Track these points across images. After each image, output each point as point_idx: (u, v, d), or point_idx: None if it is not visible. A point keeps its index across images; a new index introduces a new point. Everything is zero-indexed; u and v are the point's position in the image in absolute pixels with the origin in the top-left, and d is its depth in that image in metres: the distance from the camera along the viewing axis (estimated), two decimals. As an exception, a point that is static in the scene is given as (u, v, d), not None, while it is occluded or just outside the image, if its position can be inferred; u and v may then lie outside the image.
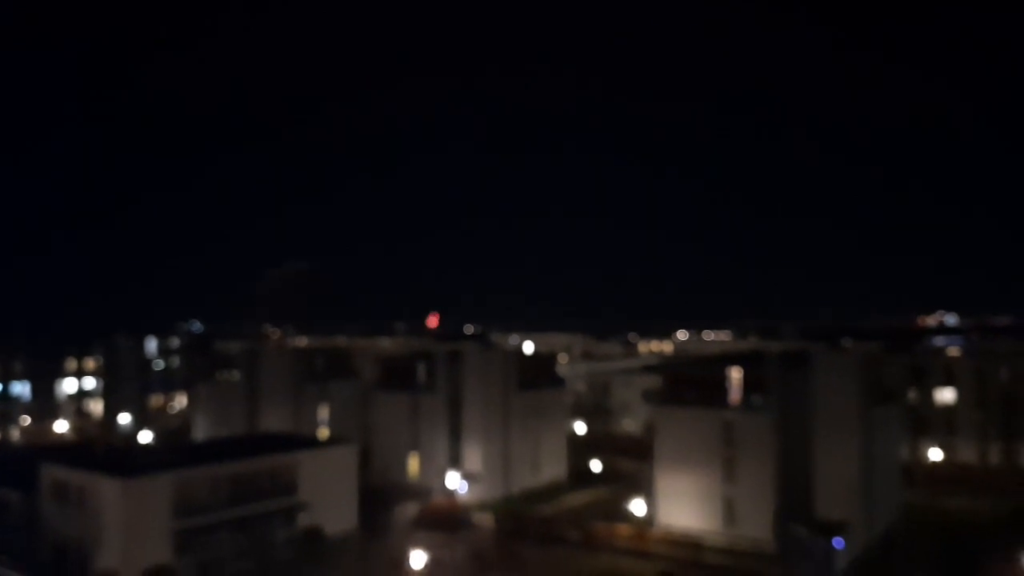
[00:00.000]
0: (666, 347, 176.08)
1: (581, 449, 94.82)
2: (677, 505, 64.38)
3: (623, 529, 63.13)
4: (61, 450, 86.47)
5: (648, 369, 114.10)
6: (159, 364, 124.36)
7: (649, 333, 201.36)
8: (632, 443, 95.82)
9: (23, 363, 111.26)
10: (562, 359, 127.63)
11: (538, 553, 60.28)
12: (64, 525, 57.73)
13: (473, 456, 78.11)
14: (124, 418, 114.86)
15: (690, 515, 63.62)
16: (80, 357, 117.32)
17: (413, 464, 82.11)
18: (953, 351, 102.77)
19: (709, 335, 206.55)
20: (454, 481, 76.19)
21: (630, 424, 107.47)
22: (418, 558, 52.68)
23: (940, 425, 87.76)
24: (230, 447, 70.43)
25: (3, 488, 63.61)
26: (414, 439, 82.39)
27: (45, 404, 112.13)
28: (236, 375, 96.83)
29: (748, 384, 63.97)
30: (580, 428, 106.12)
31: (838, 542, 55.53)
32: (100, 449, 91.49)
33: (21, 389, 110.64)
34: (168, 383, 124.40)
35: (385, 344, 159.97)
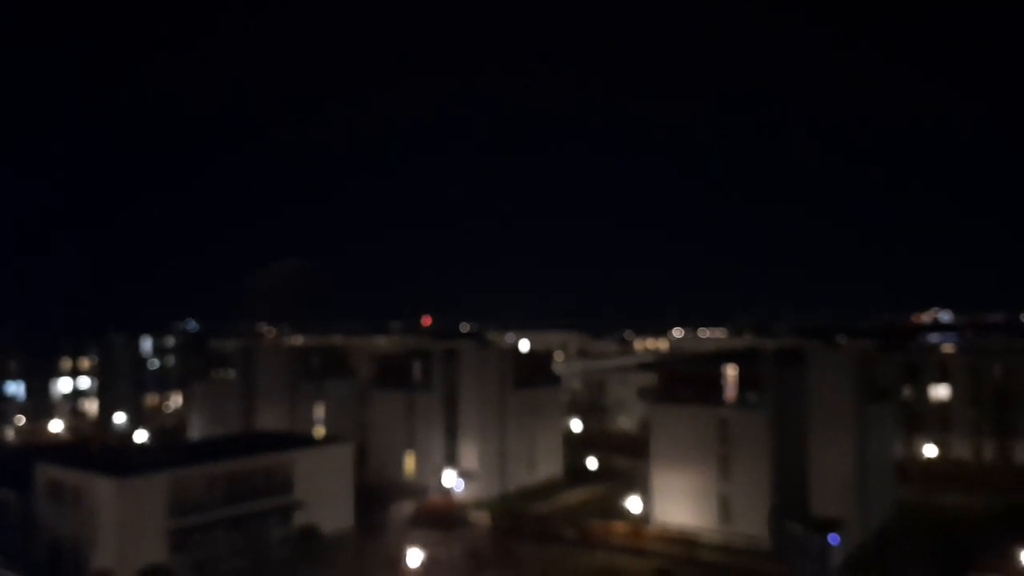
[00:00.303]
0: (662, 345, 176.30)
1: (577, 447, 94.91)
2: (673, 502, 64.49)
3: (619, 527, 63.23)
4: (56, 449, 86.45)
5: (644, 367, 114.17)
6: (154, 363, 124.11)
7: (645, 331, 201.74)
8: (628, 441, 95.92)
9: (18, 362, 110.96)
10: (558, 357, 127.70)
11: (534, 551, 60.34)
12: (59, 525, 57.63)
13: (469, 454, 78.16)
14: (119, 417, 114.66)
15: (686, 512, 63.74)
16: (75, 356, 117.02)
17: (409, 462, 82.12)
18: (947, 348, 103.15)
19: (705, 333, 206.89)
20: (450, 479, 76.23)
21: (626, 422, 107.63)
22: (414, 556, 52.70)
23: (935, 422, 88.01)
24: (226, 446, 70.37)
25: (-2, 488, 63.50)
26: (410, 437, 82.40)
27: (40, 403, 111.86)
28: (232, 374, 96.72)
29: (743, 381, 64.09)
30: (576, 426, 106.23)
31: (834, 539, 55.71)
32: (95, 448, 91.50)
33: (16, 388, 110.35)
34: (163, 382, 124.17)
35: (381, 342, 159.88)
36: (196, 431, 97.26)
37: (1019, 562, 51.66)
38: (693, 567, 57.18)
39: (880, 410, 65.72)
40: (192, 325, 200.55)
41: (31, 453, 72.39)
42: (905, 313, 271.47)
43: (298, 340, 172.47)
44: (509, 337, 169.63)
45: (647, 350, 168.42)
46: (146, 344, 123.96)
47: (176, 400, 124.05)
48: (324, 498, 65.29)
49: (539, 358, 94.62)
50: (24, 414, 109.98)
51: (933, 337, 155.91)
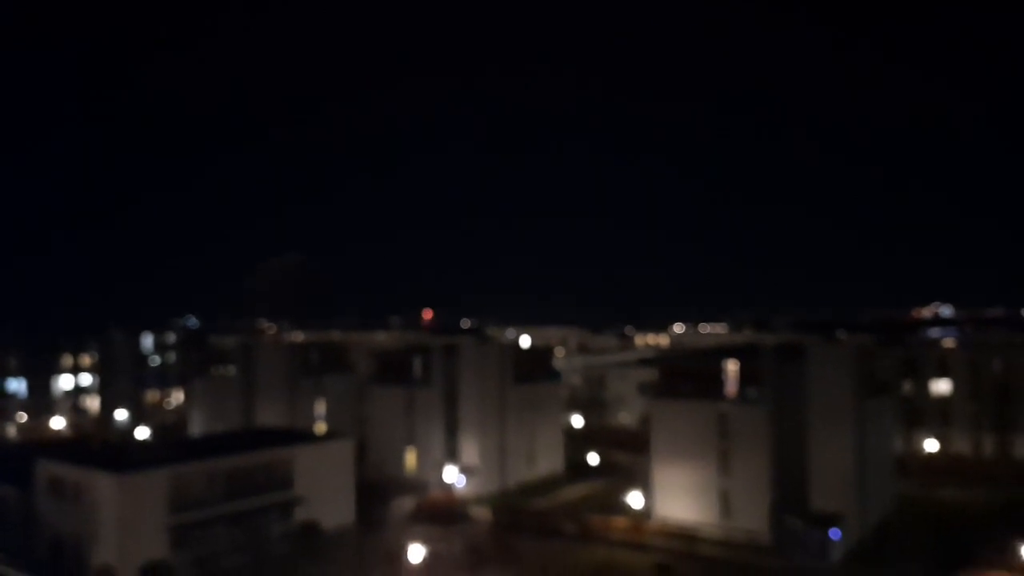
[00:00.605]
0: (662, 340, 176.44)
1: (577, 442, 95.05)
2: (673, 497, 64.57)
3: (619, 522, 63.33)
4: (57, 446, 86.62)
5: (644, 362, 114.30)
6: (155, 360, 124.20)
7: (645, 326, 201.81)
8: (628, 436, 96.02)
9: (19, 360, 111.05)
10: (558, 352, 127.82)
11: (535, 546, 60.41)
12: (60, 521, 57.74)
13: (470, 450, 78.25)
14: (121, 414, 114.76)
15: (686, 507, 63.82)
16: (76, 353, 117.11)
17: (410, 458, 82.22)
18: (947, 343, 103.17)
19: (705, 328, 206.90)
20: (451, 475, 76.33)
21: (626, 417, 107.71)
22: (415, 552, 52.78)
23: (935, 416, 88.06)
24: (226, 442, 70.43)
25: (0, 484, 63.63)
26: (410, 433, 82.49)
27: (41, 400, 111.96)
28: (232, 370, 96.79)
29: (743, 377, 64.12)
30: (576, 421, 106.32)
31: (835, 533, 55.85)
32: (96, 445, 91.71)
33: (17, 386, 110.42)
34: (164, 379, 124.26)
35: (381, 338, 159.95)
36: (197, 427, 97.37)
37: (1019, 556, 51.77)
38: (693, 562, 57.28)
39: (879, 405, 65.80)
40: (192, 322, 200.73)
41: (32, 450, 72.56)
42: (905, 308, 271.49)
43: (298, 336, 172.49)
44: (509, 333, 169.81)
45: (647, 346, 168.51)
46: (147, 341, 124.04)
47: (177, 397, 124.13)
48: (325, 494, 65.38)
49: (539, 354, 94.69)
50: (26, 411, 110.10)
51: (933, 332, 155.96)
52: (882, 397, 67.22)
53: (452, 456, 78.98)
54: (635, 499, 64.50)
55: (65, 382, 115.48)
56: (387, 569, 54.96)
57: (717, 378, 65.10)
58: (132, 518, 54.38)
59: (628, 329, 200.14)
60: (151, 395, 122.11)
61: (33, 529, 59.65)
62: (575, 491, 78.05)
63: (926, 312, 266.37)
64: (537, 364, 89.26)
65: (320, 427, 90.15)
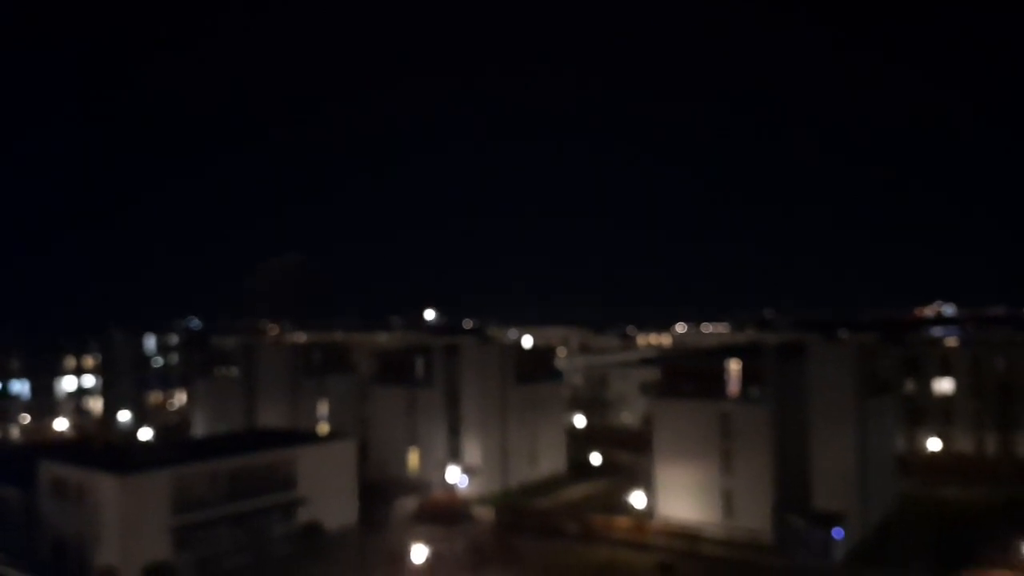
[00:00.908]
0: (664, 340, 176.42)
1: (579, 442, 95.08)
2: (675, 497, 64.58)
3: (622, 521, 63.35)
4: (60, 447, 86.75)
5: (646, 362, 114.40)
6: (158, 361, 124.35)
7: (647, 326, 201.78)
8: (630, 436, 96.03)
9: (22, 361, 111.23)
10: (560, 352, 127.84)
11: (537, 546, 60.47)
12: (63, 522, 57.85)
13: (472, 450, 78.29)
14: (123, 415, 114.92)
15: (688, 507, 63.84)
16: (79, 355, 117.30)
17: (412, 458, 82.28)
18: (950, 341, 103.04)
19: (707, 327, 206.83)
20: (454, 475, 76.37)
21: (628, 417, 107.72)
22: (418, 552, 52.85)
23: (937, 415, 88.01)
24: (229, 443, 70.54)
25: (2, 485, 63.72)
26: (412, 433, 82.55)
27: (44, 402, 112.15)
28: (234, 371, 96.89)
29: (745, 376, 64.11)
30: (579, 421, 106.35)
31: (837, 532, 55.86)
32: (99, 446, 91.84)
33: (20, 387, 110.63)
34: (167, 380, 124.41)
35: (382, 338, 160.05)
36: (199, 428, 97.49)
37: (1022, 555, 51.74)
38: (696, 561, 57.30)
39: (881, 404, 65.79)
40: (195, 323, 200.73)
41: (35, 451, 72.68)
42: (907, 307, 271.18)
43: (300, 337, 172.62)
44: (511, 333, 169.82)
45: (649, 345, 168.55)
46: (149, 342, 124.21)
47: (179, 398, 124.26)
48: (327, 494, 65.46)
49: (541, 353, 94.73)
50: (29, 412, 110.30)
51: (935, 330, 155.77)
52: (884, 396, 67.19)
53: (454, 456, 79.03)
54: (637, 499, 64.51)
55: (68, 383, 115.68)
56: (390, 569, 55.02)
57: (719, 377, 65.11)
58: (135, 519, 54.47)
59: (630, 329, 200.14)
60: (154, 396, 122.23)
61: (36, 530, 59.78)
62: (577, 491, 78.09)
63: (928, 311, 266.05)
64: (539, 364, 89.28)
65: (322, 427, 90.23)
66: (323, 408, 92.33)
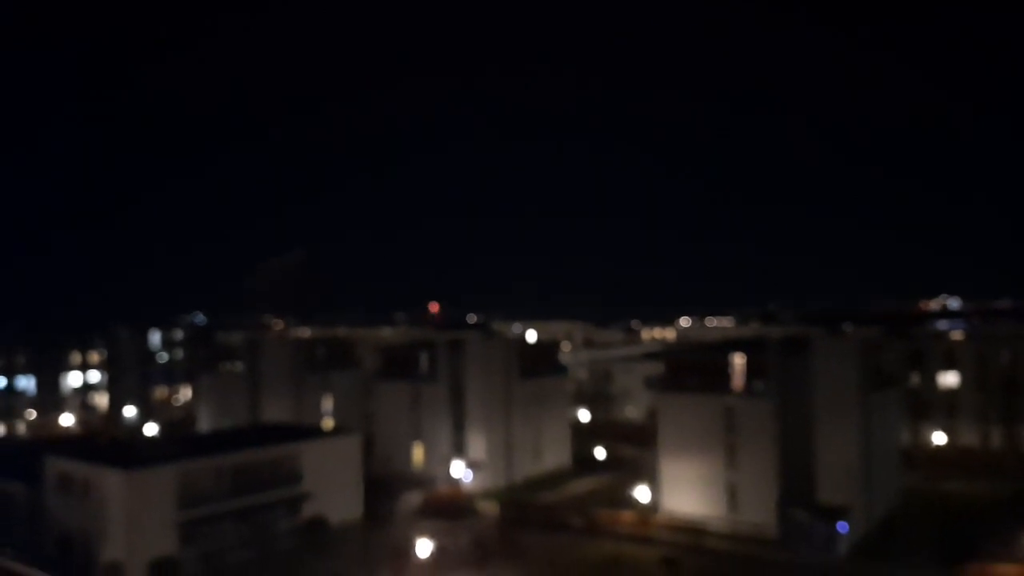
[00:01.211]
0: (668, 334, 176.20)
1: (584, 436, 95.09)
2: (680, 491, 64.61)
3: (626, 516, 63.42)
4: (66, 443, 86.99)
5: (650, 356, 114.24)
6: (163, 356, 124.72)
7: (651, 320, 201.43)
8: (634, 430, 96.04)
9: (28, 357, 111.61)
10: (564, 347, 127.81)
11: (542, 540, 60.55)
12: (69, 517, 58.08)
13: (476, 444, 78.38)
14: (129, 411, 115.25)
15: (693, 501, 63.86)
16: (84, 351, 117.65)
17: (417, 453, 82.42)
18: (955, 335, 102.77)
19: (711, 322, 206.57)
20: (458, 470, 76.48)
21: (632, 411, 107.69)
22: (423, 546, 52.97)
23: (942, 409, 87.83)
24: (234, 438, 70.71)
25: (9, 481, 63.96)
26: (417, 428, 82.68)
27: (50, 398, 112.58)
28: (239, 366, 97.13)
29: (750, 370, 64.06)
30: (583, 415, 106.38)
31: (842, 526, 55.84)
32: (104, 441, 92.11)
33: (26, 383, 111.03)
34: (172, 375, 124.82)
35: (386, 334, 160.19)
36: (204, 424, 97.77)
37: (1026, 548, 51.70)
38: (700, 555, 57.34)
39: (885, 398, 65.68)
40: (199, 318, 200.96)
41: (41, 446, 72.89)
42: (912, 300, 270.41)
43: (304, 332, 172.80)
44: (515, 327, 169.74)
45: (653, 339, 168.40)
46: (154, 338, 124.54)
47: (184, 393, 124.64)
48: (332, 489, 65.62)
49: (545, 348, 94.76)
50: (35, 408, 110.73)
51: (940, 324, 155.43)
52: (888, 390, 67.08)
53: (459, 451, 79.14)
54: (642, 493, 64.56)
55: (74, 379, 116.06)
56: (394, 564, 55.13)
57: (723, 372, 65.07)
58: (140, 514, 54.67)
59: (634, 323, 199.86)
60: (159, 392, 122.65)
61: (42, 525, 60.02)
62: (582, 485, 78.15)
63: (933, 304, 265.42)
64: (543, 358, 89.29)
65: (327, 423, 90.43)
66: (327, 403, 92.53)
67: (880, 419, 63.15)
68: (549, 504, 70.16)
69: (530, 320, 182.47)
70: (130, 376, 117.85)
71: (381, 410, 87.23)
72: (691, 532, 61.04)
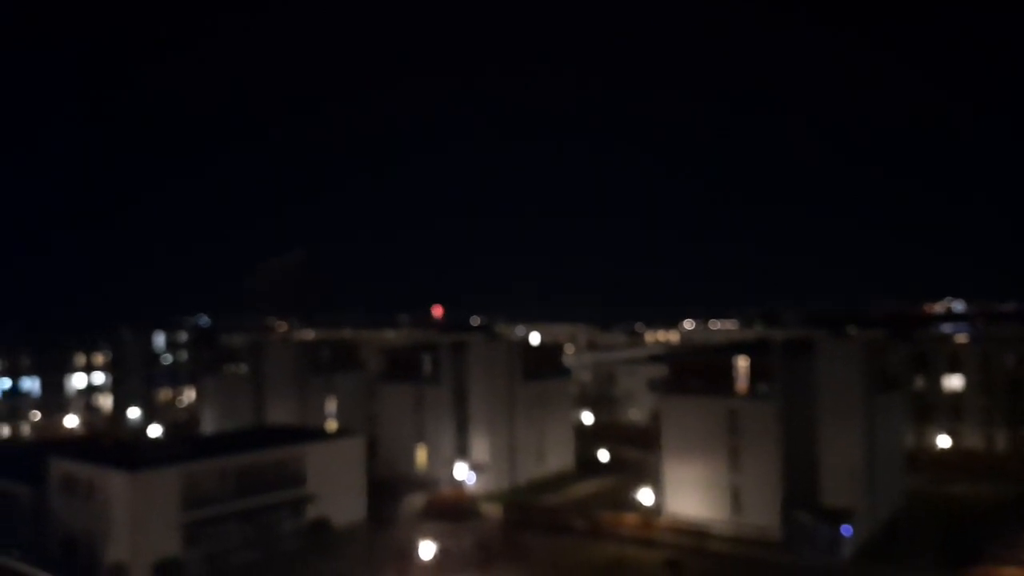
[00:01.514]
0: (672, 336, 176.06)
1: (587, 439, 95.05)
2: (683, 494, 64.55)
3: (630, 518, 63.39)
4: (70, 444, 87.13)
5: (654, 358, 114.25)
6: (167, 358, 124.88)
7: (655, 323, 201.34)
8: (638, 432, 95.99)
9: (32, 359, 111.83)
10: (568, 349, 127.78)
11: (545, 542, 60.54)
12: (73, 518, 58.21)
13: (480, 447, 78.39)
14: (133, 412, 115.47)
15: (696, 504, 63.80)
16: (89, 352, 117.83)
17: (420, 455, 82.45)
18: (959, 337, 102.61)
19: (715, 324, 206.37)
20: (462, 472, 76.49)
21: (636, 413, 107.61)
22: (426, 548, 53.00)
23: (946, 411, 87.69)
24: (238, 440, 70.81)
25: (13, 482, 64.12)
26: (420, 430, 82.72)
27: (54, 399, 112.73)
28: (243, 368, 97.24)
29: (753, 372, 64.00)
30: (586, 418, 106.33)
31: (846, 529, 55.74)
32: (109, 443, 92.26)
33: (30, 385, 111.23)
34: (176, 377, 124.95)
35: (390, 336, 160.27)
36: (208, 425, 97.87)
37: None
38: (703, 558, 57.29)
39: (890, 400, 65.58)
40: (204, 320, 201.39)
41: (46, 448, 73.04)
42: (916, 303, 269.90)
43: (308, 334, 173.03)
44: (518, 330, 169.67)
45: (657, 342, 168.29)
46: (158, 339, 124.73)
47: (188, 395, 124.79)
48: (336, 491, 65.67)
49: (548, 350, 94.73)
50: (39, 409, 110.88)
51: (945, 327, 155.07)
52: (893, 392, 66.96)
53: (462, 453, 79.16)
54: (645, 495, 64.51)
55: (78, 381, 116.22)
56: (398, 566, 55.17)
57: (727, 374, 65.03)
58: (145, 515, 54.77)
59: (638, 325, 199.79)
60: (163, 393, 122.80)
61: (46, 527, 60.14)
62: (585, 487, 78.10)
63: (937, 307, 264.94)
64: (546, 361, 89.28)
65: (331, 425, 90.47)
66: (331, 405, 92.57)
67: (884, 422, 63.05)
68: (552, 506, 70.14)
69: (533, 322, 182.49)
70: (134, 378, 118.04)
71: (385, 412, 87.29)
72: (694, 535, 60.97)
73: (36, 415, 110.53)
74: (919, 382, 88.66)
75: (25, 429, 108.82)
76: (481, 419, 78.88)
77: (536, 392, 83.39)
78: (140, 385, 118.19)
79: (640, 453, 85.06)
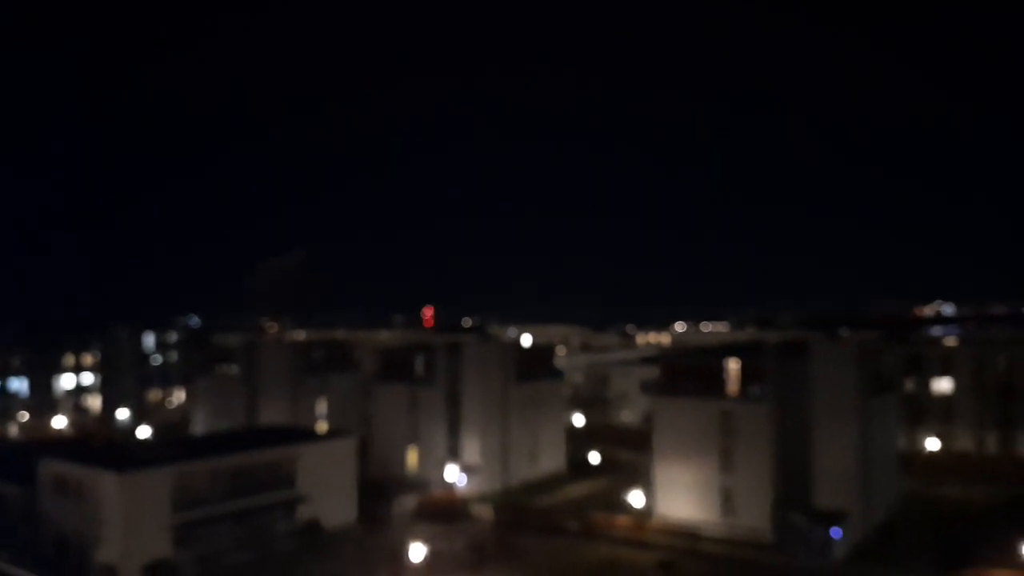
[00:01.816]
0: (664, 338, 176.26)
1: (580, 440, 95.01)
2: (675, 495, 64.52)
3: (622, 520, 63.33)
4: (60, 445, 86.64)
5: (646, 360, 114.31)
6: (157, 358, 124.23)
7: (647, 324, 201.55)
8: (630, 434, 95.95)
9: (21, 359, 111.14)
10: (560, 351, 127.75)
11: (537, 544, 60.42)
12: (64, 520, 57.81)
13: (472, 448, 78.24)
14: (123, 413, 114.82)
15: (688, 505, 63.78)
16: (78, 352, 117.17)
17: (412, 456, 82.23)
18: (951, 340, 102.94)
19: (707, 326, 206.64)
20: (453, 473, 76.33)
21: (628, 415, 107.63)
22: (417, 550, 52.82)
23: (938, 414, 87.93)
24: (229, 440, 70.53)
25: (3, 483, 63.70)
26: (413, 431, 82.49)
27: (43, 399, 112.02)
28: (235, 369, 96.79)
29: (746, 374, 64.06)
30: (579, 420, 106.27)
31: (836, 532, 55.81)
32: (99, 444, 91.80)
33: (19, 385, 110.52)
34: (166, 377, 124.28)
35: (384, 336, 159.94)
36: (199, 426, 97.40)
37: (1021, 554, 51.70)
38: (696, 559, 57.27)
39: (883, 402, 65.72)
40: (195, 320, 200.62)
41: (35, 449, 72.60)
42: (908, 306, 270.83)
43: (301, 335, 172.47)
44: (511, 331, 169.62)
45: (649, 344, 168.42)
46: (149, 340, 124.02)
47: (179, 395, 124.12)
48: (327, 492, 65.42)
49: (541, 352, 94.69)
50: (28, 410, 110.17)
51: (936, 330, 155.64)
52: (885, 395, 67.12)
53: (454, 454, 78.97)
54: (637, 497, 64.48)
55: (67, 381, 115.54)
56: (389, 567, 55.00)
57: (719, 376, 65.05)
58: (135, 517, 54.44)
59: (630, 327, 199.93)
60: (153, 394, 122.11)
61: (37, 528, 59.74)
62: (577, 489, 78.03)
63: (929, 310, 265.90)
64: (539, 362, 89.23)
65: (323, 425, 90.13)
66: (324, 406, 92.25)
67: (878, 424, 63.17)
68: (545, 508, 70.03)
69: (526, 324, 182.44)
70: (124, 378, 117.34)
71: (378, 413, 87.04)
72: (687, 536, 60.94)
73: (24, 415, 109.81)
74: (911, 385, 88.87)
75: (13, 430, 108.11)
76: (474, 420, 78.73)
77: (529, 394, 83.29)
78: (130, 385, 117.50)
79: (632, 455, 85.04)
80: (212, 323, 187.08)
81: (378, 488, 73.81)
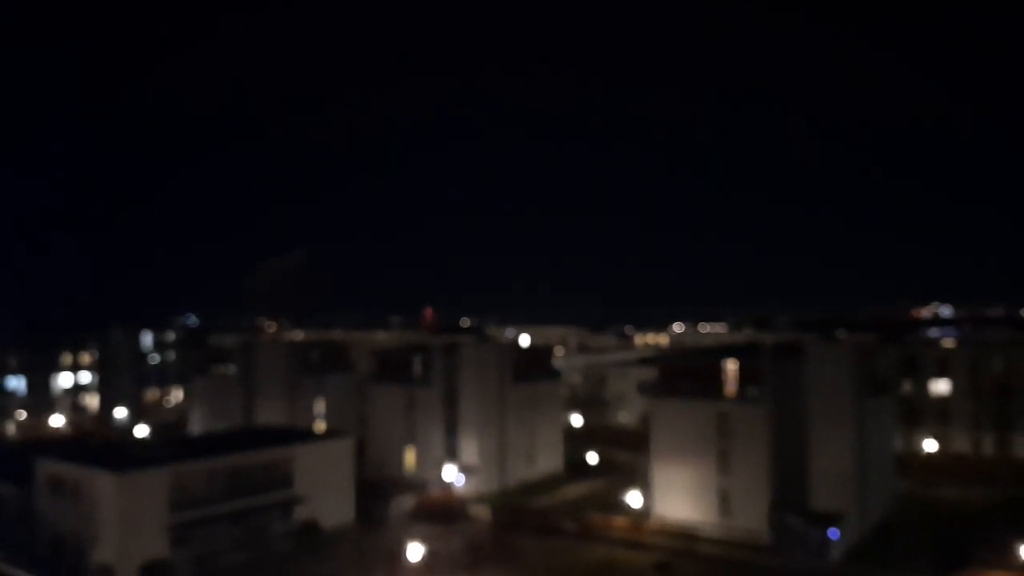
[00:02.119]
0: (662, 339, 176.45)
1: (577, 441, 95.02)
2: (673, 496, 64.59)
3: (619, 521, 63.38)
4: (57, 444, 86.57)
5: (644, 361, 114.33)
6: (155, 358, 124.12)
7: (645, 325, 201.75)
8: (628, 435, 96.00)
9: (19, 358, 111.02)
10: (558, 351, 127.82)
11: (535, 545, 60.46)
12: (60, 519, 57.77)
13: (469, 449, 78.27)
14: (120, 412, 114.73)
15: (685, 506, 63.85)
16: (76, 351, 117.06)
17: (409, 457, 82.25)
18: (947, 342, 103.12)
19: (705, 327, 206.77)
20: (451, 474, 76.35)
21: (626, 416, 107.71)
22: (415, 550, 52.84)
23: (934, 416, 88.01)
24: (226, 441, 70.50)
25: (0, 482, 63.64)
26: (410, 432, 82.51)
27: (41, 398, 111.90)
28: (232, 368, 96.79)
29: (743, 376, 64.14)
30: (576, 420, 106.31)
31: (833, 533, 55.90)
32: (96, 443, 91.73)
33: (17, 384, 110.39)
34: (164, 377, 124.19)
35: (381, 337, 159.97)
36: (197, 426, 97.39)
37: (1019, 555, 51.82)
38: (693, 560, 57.33)
39: (879, 404, 65.84)
40: (192, 320, 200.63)
41: (32, 448, 72.55)
42: (904, 307, 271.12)
43: (298, 335, 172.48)
44: (509, 332, 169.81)
45: (647, 345, 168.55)
46: (146, 339, 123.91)
47: (177, 395, 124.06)
48: (325, 492, 65.42)
49: (539, 353, 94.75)
50: (25, 409, 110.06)
51: (933, 331, 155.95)
52: (882, 396, 67.25)
53: (452, 455, 79.00)
54: (635, 498, 64.55)
55: (65, 380, 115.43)
56: (387, 567, 55.02)
57: (717, 377, 65.14)
58: (132, 517, 54.41)
59: (628, 328, 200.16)
60: (151, 393, 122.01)
61: (33, 527, 59.67)
62: (575, 490, 78.07)
63: (926, 312, 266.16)
64: (537, 363, 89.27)
65: (320, 426, 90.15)
66: (321, 406, 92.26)
67: (874, 425, 63.28)
68: (542, 509, 70.07)
69: (525, 324, 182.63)
70: (122, 377, 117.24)
71: (375, 413, 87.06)
72: (684, 537, 60.99)
73: (22, 414, 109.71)
74: (907, 386, 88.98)
75: (11, 429, 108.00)
76: (471, 421, 78.76)
77: (526, 394, 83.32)
78: (127, 385, 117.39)
79: (630, 455, 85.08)
80: (210, 323, 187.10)
81: (375, 488, 73.81)
